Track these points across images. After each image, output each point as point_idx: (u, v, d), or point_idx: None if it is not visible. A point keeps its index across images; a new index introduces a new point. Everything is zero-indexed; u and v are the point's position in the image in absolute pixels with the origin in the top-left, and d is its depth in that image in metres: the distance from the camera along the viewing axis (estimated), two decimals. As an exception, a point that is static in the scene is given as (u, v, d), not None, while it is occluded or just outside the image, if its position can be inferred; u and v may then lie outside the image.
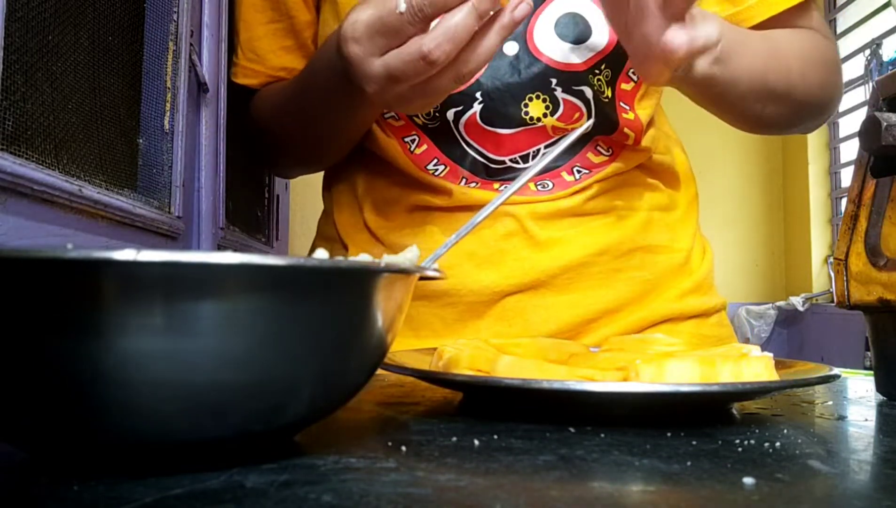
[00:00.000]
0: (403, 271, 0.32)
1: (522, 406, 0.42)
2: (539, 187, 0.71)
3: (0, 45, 0.45)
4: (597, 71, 0.68)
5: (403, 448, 0.32)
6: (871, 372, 0.53)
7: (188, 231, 0.99)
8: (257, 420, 0.28)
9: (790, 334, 3.65)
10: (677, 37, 0.50)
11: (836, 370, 0.44)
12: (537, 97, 0.67)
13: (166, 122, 0.88)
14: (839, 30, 3.27)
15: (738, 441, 0.35)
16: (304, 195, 1.72)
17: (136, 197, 0.80)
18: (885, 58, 3.01)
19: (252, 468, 0.28)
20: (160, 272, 0.24)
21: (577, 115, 0.68)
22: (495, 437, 0.35)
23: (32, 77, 0.53)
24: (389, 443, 0.33)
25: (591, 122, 0.48)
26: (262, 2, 0.76)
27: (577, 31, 0.67)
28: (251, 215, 1.42)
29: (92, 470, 0.28)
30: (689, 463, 0.30)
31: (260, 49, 0.76)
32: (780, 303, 3.58)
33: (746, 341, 3.54)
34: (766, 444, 0.34)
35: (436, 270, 0.35)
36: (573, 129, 0.67)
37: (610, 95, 0.70)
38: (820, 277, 3.52)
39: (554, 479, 0.28)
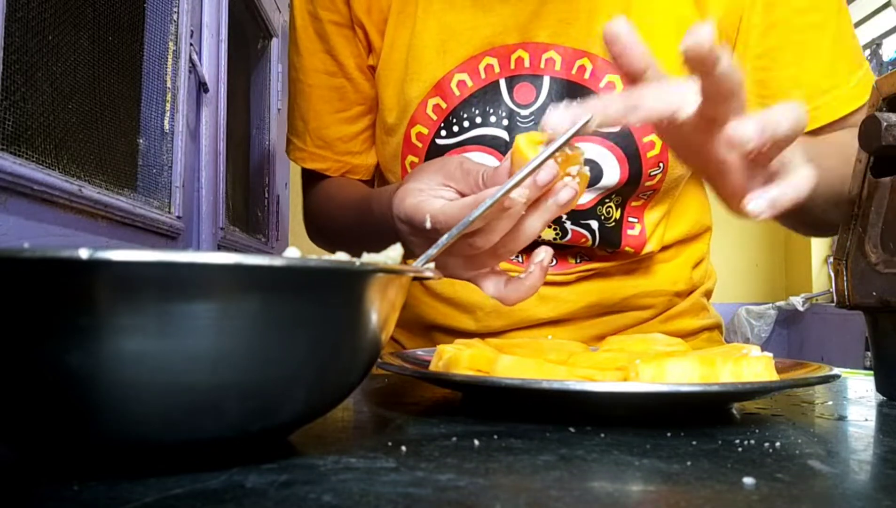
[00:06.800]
0: (399, 272, 0.32)
1: (522, 406, 0.42)
2: None
3: (0, 46, 0.45)
4: (606, 201, 0.72)
5: (403, 448, 0.32)
6: (871, 372, 0.53)
7: (188, 231, 0.99)
8: (253, 420, 0.28)
9: (790, 334, 3.65)
10: (759, 203, 0.45)
11: (836, 370, 0.44)
12: (549, 226, 0.71)
13: (166, 122, 0.88)
14: (839, 30, 3.25)
15: (738, 441, 0.35)
16: (304, 195, 1.71)
17: (136, 197, 0.80)
18: (885, 58, 3.02)
19: (252, 468, 0.28)
20: (154, 272, 0.24)
21: (583, 239, 0.73)
22: (495, 437, 0.35)
23: (32, 77, 0.53)
24: (389, 443, 0.33)
25: (586, 119, 0.46)
26: (329, 92, 0.80)
27: (590, 176, 0.69)
28: (251, 215, 1.42)
29: (92, 470, 0.28)
30: (689, 463, 0.30)
31: (328, 137, 0.81)
32: (780, 303, 3.58)
33: (746, 341, 3.53)
34: (766, 444, 0.34)
35: (430, 270, 0.35)
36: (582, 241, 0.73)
37: (618, 216, 0.74)
38: (820, 277, 3.52)
39: (554, 479, 0.28)
